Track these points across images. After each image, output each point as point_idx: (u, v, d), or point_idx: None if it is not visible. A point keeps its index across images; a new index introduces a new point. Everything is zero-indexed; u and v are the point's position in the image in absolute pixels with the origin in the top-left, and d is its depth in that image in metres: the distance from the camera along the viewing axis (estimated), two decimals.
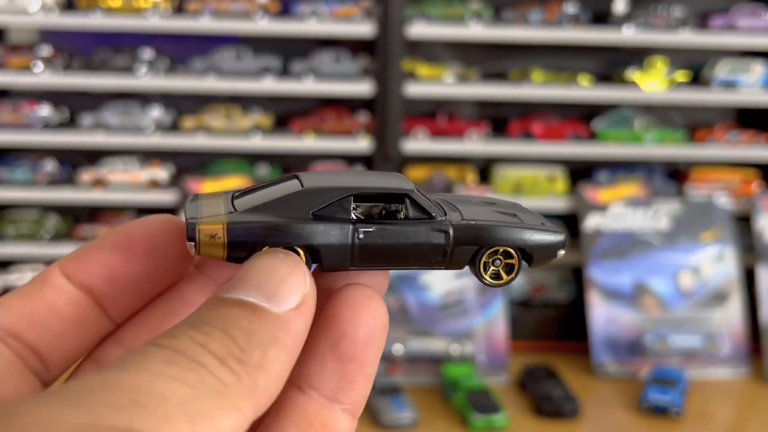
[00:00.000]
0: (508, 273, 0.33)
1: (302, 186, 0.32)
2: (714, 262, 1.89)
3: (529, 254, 0.33)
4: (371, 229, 0.31)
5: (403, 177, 0.34)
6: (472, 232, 0.32)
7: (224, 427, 0.24)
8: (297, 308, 0.27)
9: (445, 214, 0.33)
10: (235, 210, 0.31)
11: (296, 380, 0.29)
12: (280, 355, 0.26)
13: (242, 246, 0.30)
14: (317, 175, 0.33)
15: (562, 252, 0.34)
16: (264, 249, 0.30)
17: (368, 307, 0.29)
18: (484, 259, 0.33)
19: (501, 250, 0.33)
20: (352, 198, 0.31)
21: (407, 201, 0.32)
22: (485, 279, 0.33)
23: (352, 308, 0.29)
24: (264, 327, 0.27)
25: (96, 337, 0.32)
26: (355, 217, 0.31)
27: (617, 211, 1.92)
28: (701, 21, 2.02)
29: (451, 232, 0.32)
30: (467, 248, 0.32)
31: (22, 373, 0.30)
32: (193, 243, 0.30)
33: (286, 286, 0.27)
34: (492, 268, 0.33)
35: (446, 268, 0.33)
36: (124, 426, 0.22)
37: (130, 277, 0.31)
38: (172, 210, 1.97)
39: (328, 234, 0.30)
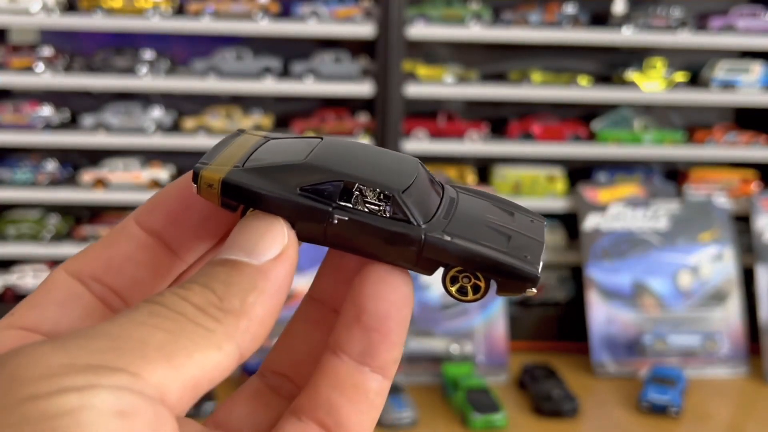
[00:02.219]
0: (474, 292, 0.32)
1: (307, 156, 0.33)
2: (713, 261, 1.90)
3: (495, 282, 0.32)
4: (345, 218, 0.32)
5: (413, 166, 0.34)
6: (441, 249, 0.32)
7: (203, 363, 0.26)
8: (276, 259, 0.30)
9: (428, 222, 0.32)
10: (243, 166, 0.33)
11: (330, 345, 0.32)
12: (260, 299, 0.29)
13: (231, 200, 0.32)
14: (334, 146, 0.34)
15: (532, 290, 0.32)
16: (250, 210, 0.32)
17: (388, 282, 0.31)
18: (452, 273, 0.32)
19: (480, 274, 0.32)
20: (342, 183, 0.32)
21: (394, 200, 0.32)
22: (451, 292, 0.32)
23: (373, 283, 0.31)
24: (243, 278, 0.29)
25: (170, 277, 0.34)
26: (335, 204, 0.32)
27: (616, 211, 1.93)
28: (700, 22, 2.03)
29: (421, 242, 0.31)
30: (436, 261, 0.32)
31: (103, 315, 0.33)
32: (196, 185, 0.33)
33: (265, 240, 0.30)
34: (459, 283, 0.32)
35: (414, 271, 0.32)
36: (98, 364, 0.24)
37: (192, 220, 0.34)
38: None
39: (304, 212, 0.32)
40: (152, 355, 0.25)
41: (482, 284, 0.32)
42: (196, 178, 0.33)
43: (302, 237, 0.32)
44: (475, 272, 0.32)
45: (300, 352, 0.34)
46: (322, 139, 0.35)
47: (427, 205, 0.33)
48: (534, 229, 0.35)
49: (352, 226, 0.32)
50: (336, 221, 0.32)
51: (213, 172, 0.33)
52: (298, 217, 0.32)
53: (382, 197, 0.32)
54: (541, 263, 0.33)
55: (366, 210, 0.32)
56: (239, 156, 0.34)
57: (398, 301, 0.31)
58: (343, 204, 0.32)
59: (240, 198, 0.32)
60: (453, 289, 0.32)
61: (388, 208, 0.32)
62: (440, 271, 0.33)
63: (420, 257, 0.32)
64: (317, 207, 0.32)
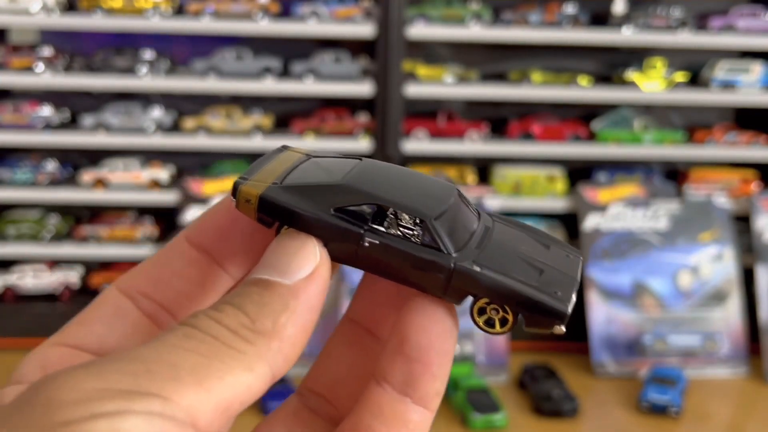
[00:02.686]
0: (502, 325, 0.32)
1: (344, 177, 0.33)
2: (713, 261, 1.90)
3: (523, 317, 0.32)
4: (376, 242, 0.32)
5: (449, 192, 0.34)
6: (470, 279, 0.31)
7: (235, 385, 0.27)
8: (308, 278, 0.30)
9: (460, 250, 0.32)
10: (281, 183, 0.34)
11: (375, 374, 0.32)
12: (292, 319, 0.29)
13: (267, 217, 0.33)
14: (371, 168, 0.34)
15: (561, 327, 0.31)
16: (284, 229, 0.33)
17: (432, 314, 0.31)
18: (480, 305, 0.32)
19: (509, 308, 0.32)
20: (376, 205, 0.32)
21: (425, 227, 0.32)
22: (478, 323, 0.32)
23: (417, 314, 0.31)
24: (275, 298, 0.29)
25: (218, 292, 0.35)
26: (368, 226, 0.32)
27: (616, 211, 1.93)
28: (700, 22, 2.03)
29: (450, 271, 0.31)
30: (464, 290, 0.32)
31: (149, 331, 0.33)
32: (234, 199, 0.33)
33: (297, 260, 0.30)
34: (487, 315, 0.32)
35: (443, 299, 0.32)
36: (130, 390, 0.25)
37: (239, 235, 0.34)
38: (173, 210, 1.97)
39: (336, 233, 0.32)
40: (184, 379, 0.26)
41: (510, 317, 0.32)
42: (235, 192, 0.33)
43: (334, 257, 0.32)
44: (503, 305, 0.31)
45: (336, 373, 0.35)
46: (361, 159, 0.35)
47: (460, 233, 0.33)
48: (569, 264, 0.34)
49: (383, 250, 0.32)
50: (367, 244, 0.32)
51: (251, 187, 0.33)
52: (330, 238, 0.32)
53: (416, 222, 0.32)
54: (573, 300, 0.32)
55: (399, 234, 0.32)
56: (278, 173, 0.34)
57: (441, 333, 0.31)
58: (376, 227, 0.32)
59: (275, 215, 0.33)
60: (480, 321, 0.32)
61: (420, 233, 0.32)
62: (469, 300, 0.32)
63: (449, 286, 0.32)
64: (350, 228, 0.32)
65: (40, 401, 0.24)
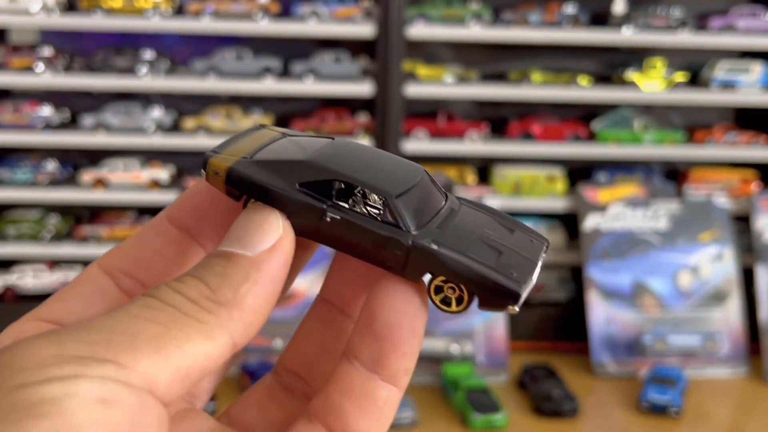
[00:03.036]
0: (458, 304, 0.32)
1: (312, 155, 0.34)
2: (713, 262, 1.90)
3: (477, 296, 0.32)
4: (338, 218, 0.32)
5: (416, 173, 0.34)
6: (427, 257, 0.31)
7: (194, 354, 0.27)
8: (269, 250, 0.30)
9: (420, 229, 0.32)
10: (251, 158, 0.34)
11: (345, 351, 0.32)
12: (253, 290, 0.29)
13: (235, 189, 0.34)
14: (341, 147, 0.35)
15: (514, 308, 0.31)
16: (250, 202, 0.33)
17: (401, 293, 0.32)
18: (436, 283, 0.32)
19: (462, 286, 0.32)
20: (340, 182, 0.33)
21: (386, 204, 0.32)
22: (435, 301, 0.32)
23: (386, 292, 0.32)
24: (236, 270, 0.30)
25: None
26: (331, 202, 0.33)
27: (616, 211, 1.93)
28: (700, 22, 2.03)
29: (407, 248, 0.32)
30: (422, 268, 0.32)
31: None
32: (204, 171, 0.35)
33: (259, 232, 0.31)
34: (444, 294, 0.32)
35: (402, 276, 0.32)
36: (87, 356, 0.25)
37: (218, 213, 0.35)
38: None
39: (299, 208, 0.32)
40: (141, 347, 0.26)
41: (465, 296, 0.32)
42: (205, 165, 0.34)
43: (298, 232, 0.32)
44: (458, 284, 0.31)
45: (310, 352, 0.35)
46: (333, 139, 0.36)
47: (423, 213, 0.33)
48: (531, 248, 0.34)
49: (344, 226, 0.32)
50: (329, 219, 0.32)
51: (221, 160, 0.34)
52: (294, 212, 0.32)
53: (382, 202, 0.32)
54: (529, 283, 0.32)
55: (364, 212, 0.32)
56: (251, 148, 0.35)
57: (410, 312, 0.31)
58: (339, 203, 0.33)
59: (242, 188, 0.33)
60: (437, 299, 0.32)
61: (383, 211, 0.32)
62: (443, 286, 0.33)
63: (407, 263, 0.32)
64: (312, 204, 0.32)
65: (2, 364, 0.25)
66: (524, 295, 0.31)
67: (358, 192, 0.33)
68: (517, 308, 0.31)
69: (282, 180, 0.33)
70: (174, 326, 0.27)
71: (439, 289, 0.32)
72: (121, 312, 0.28)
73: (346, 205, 0.32)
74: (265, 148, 0.35)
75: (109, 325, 0.27)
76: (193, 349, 0.27)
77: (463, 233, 0.33)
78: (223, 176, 0.34)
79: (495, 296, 0.31)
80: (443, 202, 0.35)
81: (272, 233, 0.31)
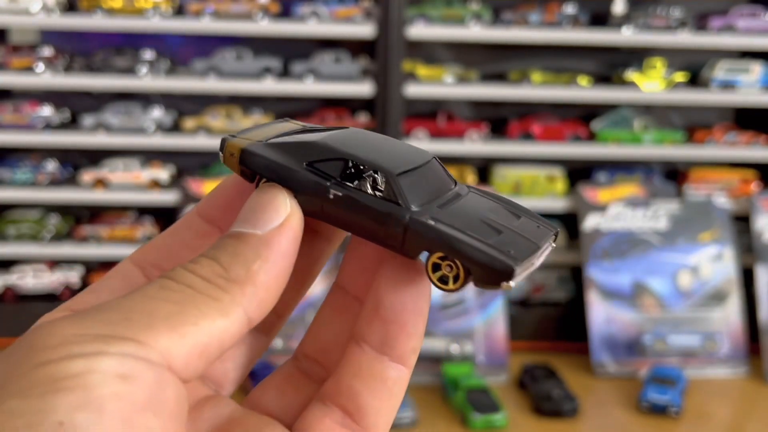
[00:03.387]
0: (455, 281, 0.32)
1: (322, 137, 0.35)
2: (713, 261, 1.90)
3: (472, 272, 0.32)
4: (340, 194, 0.33)
5: (423, 157, 0.35)
6: (424, 232, 0.32)
7: (210, 330, 0.28)
8: (278, 228, 0.32)
9: (420, 207, 0.33)
10: (266, 142, 0.36)
11: (353, 335, 0.33)
12: (264, 267, 0.30)
13: (248, 169, 0.35)
14: (353, 133, 0.36)
15: (509, 284, 0.31)
16: (263, 182, 0.34)
17: (404, 275, 0.33)
18: (433, 260, 0.32)
19: (457, 260, 0.32)
20: (344, 162, 0.34)
21: (387, 182, 0.33)
22: (432, 279, 0.32)
23: (390, 276, 0.33)
24: (248, 248, 0.31)
25: None
26: (335, 180, 0.33)
27: (616, 211, 1.93)
28: (700, 22, 2.03)
29: (405, 224, 0.32)
30: (420, 244, 0.32)
31: None
32: (221, 153, 0.36)
33: (268, 211, 0.32)
34: (441, 271, 0.32)
35: (401, 254, 0.33)
36: (107, 334, 0.26)
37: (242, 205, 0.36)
38: (173, 210, 1.97)
39: (306, 185, 0.34)
40: (158, 325, 0.27)
41: (461, 273, 0.32)
42: (222, 147, 0.36)
43: (305, 211, 0.33)
44: (453, 259, 0.32)
45: (327, 338, 0.36)
46: (346, 128, 0.37)
47: (425, 193, 0.33)
48: (536, 233, 0.34)
49: (347, 203, 0.33)
50: (332, 196, 0.33)
51: (237, 142, 0.36)
52: (301, 190, 0.33)
53: (383, 179, 0.33)
54: (528, 263, 0.32)
55: (367, 190, 0.33)
56: (268, 135, 0.36)
57: (414, 294, 0.32)
58: (342, 181, 0.33)
59: (254, 167, 0.35)
60: (434, 277, 0.32)
61: (384, 189, 0.33)
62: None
63: (405, 239, 0.32)
64: (317, 181, 0.33)
65: (23, 347, 0.26)
66: (521, 273, 0.31)
67: (363, 171, 0.34)
68: (512, 284, 0.31)
69: (291, 159, 0.34)
70: (189, 304, 0.28)
71: (436, 267, 0.32)
72: (138, 293, 0.29)
73: (349, 183, 0.33)
74: (283, 136, 0.36)
75: (127, 305, 0.28)
76: (209, 326, 0.28)
77: (463, 213, 0.33)
78: (237, 156, 0.35)
79: (489, 272, 0.31)
80: (451, 187, 0.35)
81: (280, 211, 0.32)
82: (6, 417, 0.24)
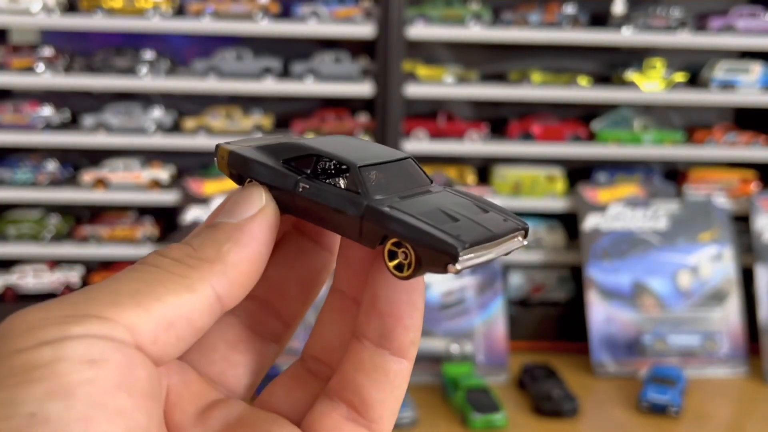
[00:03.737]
0: (409, 267, 0.32)
1: (301, 139, 0.37)
2: (712, 261, 1.90)
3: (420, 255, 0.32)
4: (308, 186, 0.34)
5: (395, 156, 0.36)
6: (378, 219, 0.32)
7: (175, 304, 0.29)
8: (252, 217, 0.33)
9: (380, 197, 0.33)
10: (254, 146, 0.37)
11: (354, 332, 0.34)
12: (236, 249, 0.31)
13: (234, 170, 0.37)
14: (335, 137, 0.38)
15: (454, 267, 0.30)
16: (247, 181, 0.36)
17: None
18: (388, 247, 0.32)
19: (404, 243, 0.32)
20: (315, 157, 0.35)
21: (350, 173, 0.34)
22: (389, 267, 0.32)
23: (384, 273, 0.33)
24: (220, 233, 0.32)
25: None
26: (305, 174, 0.35)
27: (616, 211, 1.93)
28: (700, 22, 2.03)
29: (362, 211, 0.33)
30: (375, 231, 0.32)
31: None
32: (215, 158, 0.38)
33: (243, 204, 0.33)
34: (398, 259, 0.32)
35: (361, 244, 0.33)
36: (70, 314, 0.27)
37: None
38: (173, 210, 1.98)
39: (280, 179, 0.35)
40: (123, 301, 0.28)
41: (413, 257, 0.32)
42: (215, 151, 0.38)
43: (279, 205, 0.35)
44: (403, 241, 0.32)
45: (330, 338, 0.37)
46: (342, 137, 0.38)
47: (389, 186, 0.34)
48: (498, 225, 0.33)
49: (313, 193, 0.34)
50: (301, 189, 0.34)
51: (228, 147, 0.37)
52: (276, 185, 0.35)
53: (348, 172, 0.34)
54: (479, 249, 0.31)
55: (333, 183, 0.34)
56: (260, 143, 0.38)
57: (406, 286, 0.33)
58: (312, 176, 0.35)
59: (240, 167, 0.36)
60: (391, 265, 0.32)
61: (348, 181, 0.34)
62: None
63: (362, 228, 0.33)
64: (289, 175, 0.35)
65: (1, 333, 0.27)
66: (468, 256, 0.31)
67: (336, 169, 0.35)
68: (457, 267, 0.30)
69: (270, 158, 0.36)
70: (155, 282, 0.29)
71: (393, 255, 0.32)
72: (107, 279, 0.30)
73: (318, 178, 0.35)
74: (273, 143, 0.38)
75: (94, 288, 0.29)
76: (174, 300, 0.29)
77: (424, 204, 0.33)
78: (225, 159, 0.37)
79: (435, 253, 0.31)
80: (423, 185, 0.36)
81: (254, 204, 0.33)
82: None
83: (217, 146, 0.38)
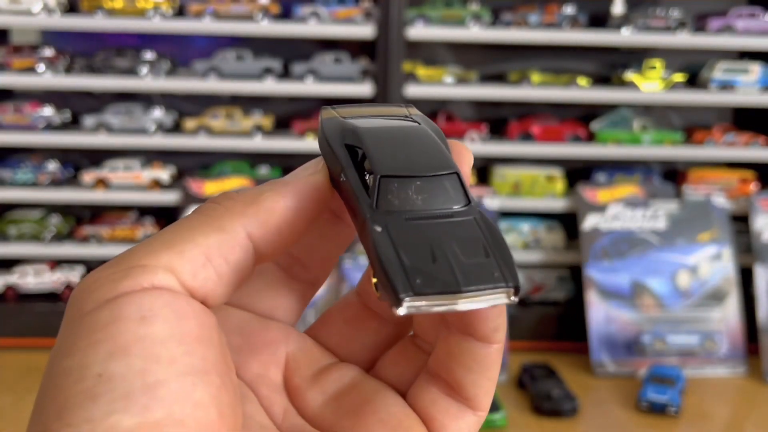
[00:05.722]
0: (377, 291, 0.32)
1: (365, 124, 0.36)
2: (712, 261, 1.91)
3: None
4: (347, 177, 0.34)
5: (437, 167, 0.34)
6: (366, 235, 0.32)
7: (206, 243, 0.30)
8: (300, 178, 0.34)
9: (389, 211, 0.32)
10: (344, 118, 0.38)
11: (442, 321, 0.35)
12: (273, 196, 0.33)
13: (321, 138, 0.38)
14: (398, 130, 0.36)
15: (397, 311, 0.29)
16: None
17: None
18: (374, 280, 0.32)
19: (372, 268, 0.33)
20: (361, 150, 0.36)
21: (373, 179, 0.33)
22: (373, 282, 0.32)
23: None
24: (265, 185, 0.34)
25: (338, 239, 0.39)
26: (350, 163, 0.35)
27: (616, 211, 1.94)
28: (699, 22, 2.03)
29: (362, 221, 0.32)
30: (367, 245, 0.32)
31: (285, 282, 0.39)
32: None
33: (300, 169, 0.35)
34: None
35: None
36: (119, 269, 0.29)
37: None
38: (174, 210, 1.98)
39: (331, 160, 0.36)
40: (156, 248, 0.30)
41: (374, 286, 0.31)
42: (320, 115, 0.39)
43: (332, 181, 0.35)
44: (372, 264, 0.31)
45: (425, 321, 0.38)
46: (412, 125, 0.38)
47: (407, 203, 0.32)
48: (481, 277, 0.30)
49: (347, 186, 0.34)
50: (343, 178, 0.34)
51: (327, 112, 0.38)
52: (329, 164, 0.36)
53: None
54: (436, 301, 0.29)
55: (365, 182, 0.34)
56: (359, 113, 0.38)
57: None
58: (356, 165, 0.35)
59: (321, 134, 0.37)
60: (374, 280, 0.31)
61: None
62: None
63: (362, 236, 0.33)
64: (340, 158, 0.35)
65: (71, 301, 0.30)
66: (415, 305, 0.29)
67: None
68: (400, 313, 0.29)
69: (338, 136, 0.36)
70: (187, 228, 0.31)
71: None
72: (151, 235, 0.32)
73: (356, 171, 0.34)
74: (369, 117, 0.38)
75: (134, 246, 0.31)
76: (204, 240, 0.30)
77: (423, 232, 0.31)
78: (320, 125, 0.38)
79: (386, 291, 0.30)
80: (453, 207, 0.33)
81: (309, 170, 0.35)
82: (62, 377, 0.27)
83: (321, 110, 0.39)
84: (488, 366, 0.34)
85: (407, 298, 0.29)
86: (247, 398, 0.35)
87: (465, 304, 0.30)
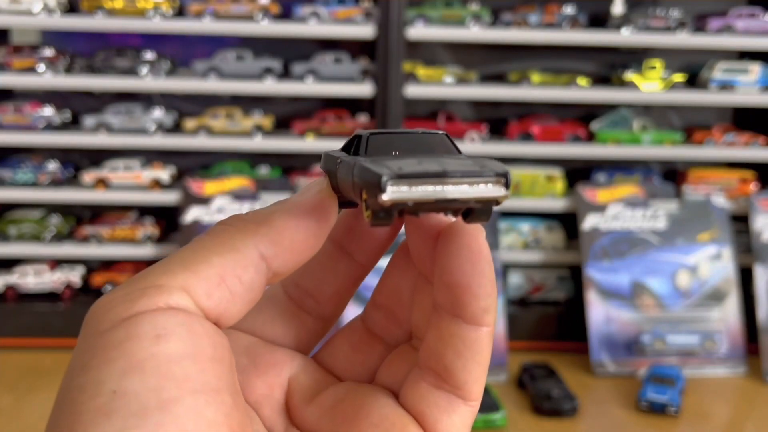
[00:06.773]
0: (367, 210, 0.31)
1: (368, 141, 0.36)
2: (711, 261, 1.91)
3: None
4: (341, 162, 0.35)
5: (423, 132, 0.36)
6: (356, 172, 0.32)
7: (221, 263, 0.31)
8: (307, 198, 0.35)
9: (373, 156, 0.33)
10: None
11: (432, 303, 0.35)
12: (283, 215, 0.34)
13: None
14: (398, 132, 0.37)
15: (383, 197, 0.29)
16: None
17: (459, 238, 0.34)
18: (364, 197, 0.31)
19: (355, 185, 0.32)
20: (357, 138, 0.36)
21: (359, 141, 0.34)
22: (365, 216, 0.31)
23: (446, 241, 0.34)
24: (273, 205, 0.35)
25: (348, 277, 0.40)
26: (346, 153, 0.36)
27: (615, 211, 1.94)
28: (699, 22, 2.04)
29: (353, 168, 0.33)
30: (356, 186, 0.32)
31: (293, 313, 0.40)
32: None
33: (305, 188, 0.36)
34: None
35: (359, 203, 0.33)
36: (135, 289, 0.30)
37: (362, 228, 0.39)
38: (174, 210, 1.98)
39: (328, 163, 0.37)
40: (173, 268, 0.31)
41: (362, 198, 0.31)
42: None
43: (334, 187, 0.36)
44: (354, 184, 0.32)
45: (418, 318, 0.38)
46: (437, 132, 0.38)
47: (396, 150, 0.34)
48: (462, 167, 0.30)
49: (342, 167, 0.34)
50: (337, 166, 0.35)
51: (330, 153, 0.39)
52: (327, 168, 0.37)
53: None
54: (418, 182, 0.29)
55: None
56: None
57: (471, 256, 0.33)
58: (350, 153, 0.35)
59: (324, 154, 0.38)
60: (366, 215, 0.31)
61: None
62: None
63: (354, 186, 0.32)
64: (337, 157, 0.36)
65: (87, 318, 0.30)
66: (399, 188, 0.29)
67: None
68: (385, 198, 0.29)
69: (337, 151, 0.37)
70: (202, 248, 0.32)
71: (366, 204, 0.31)
72: (166, 256, 0.32)
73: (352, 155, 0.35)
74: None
75: (150, 267, 0.32)
76: (218, 260, 0.31)
77: (409, 154, 0.33)
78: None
79: (368, 186, 0.30)
80: (437, 152, 0.34)
81: (314, 188, 0.35)
82: (76, 393, 0.28)
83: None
84: (478, 350, 0.35)
85: (390, 181, 0.29)
86: (251, 418, 0.35)
87: (454, 189, 0.29)
